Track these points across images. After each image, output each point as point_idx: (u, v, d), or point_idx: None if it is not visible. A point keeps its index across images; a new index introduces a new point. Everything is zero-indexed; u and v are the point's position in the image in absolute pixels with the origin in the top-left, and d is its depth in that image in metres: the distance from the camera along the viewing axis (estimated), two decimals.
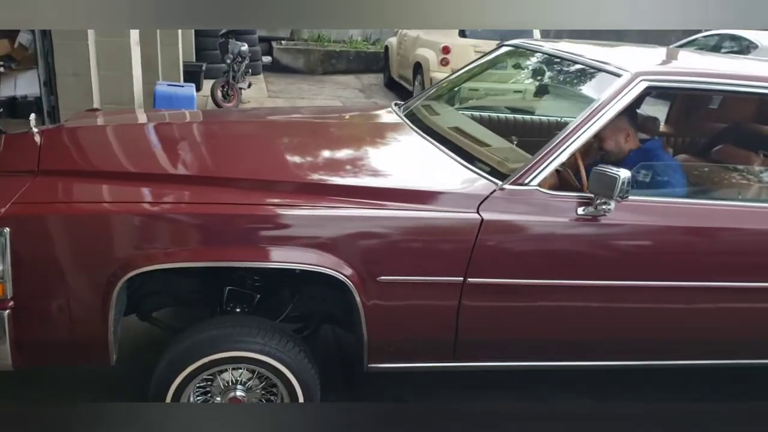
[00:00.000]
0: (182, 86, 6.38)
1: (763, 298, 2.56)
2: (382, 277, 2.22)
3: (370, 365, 2.37)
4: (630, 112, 2.80)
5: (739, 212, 2.55)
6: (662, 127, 3.60)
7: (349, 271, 2.17)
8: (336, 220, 2.19)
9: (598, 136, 3.11)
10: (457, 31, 8.89)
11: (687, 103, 3.75)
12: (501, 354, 2.52)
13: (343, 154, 2.81)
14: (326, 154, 2.80)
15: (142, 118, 3.56)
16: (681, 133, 3.70)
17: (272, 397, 2.29)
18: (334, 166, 2.65)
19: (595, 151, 3.11)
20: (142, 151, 2.71)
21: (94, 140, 2.80)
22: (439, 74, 8.36)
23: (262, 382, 2.27)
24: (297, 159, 2.72)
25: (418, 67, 9.40)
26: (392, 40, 11.13)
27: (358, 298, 2.19)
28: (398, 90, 10.53)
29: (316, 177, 2.46)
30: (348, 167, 2.64)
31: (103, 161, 2.56)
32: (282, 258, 2.15)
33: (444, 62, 8.80)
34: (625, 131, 2.86)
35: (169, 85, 6.29)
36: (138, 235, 2.12)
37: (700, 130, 3.67)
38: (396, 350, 2.38)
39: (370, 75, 12.32)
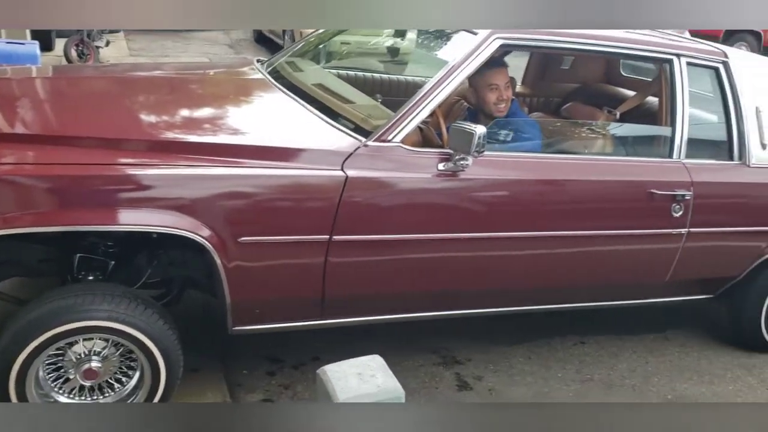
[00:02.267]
0: (23, 44, 5.77)
1: (607, 243, 2.76)
2: (244, 238, 2.17)
3: (234, 328, 2.33)
4: None
5: (585, 165, 2.71)
6: (519, 88, 3.75)
7: (207, 232, 2.10)
8: (193, 180, 2.11)
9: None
10: None
11: (541, 63, 3.92)
12: (369, 309, 2.56)
13: (202, 111, 2.69)
14: (185, 111, 2.67)
15: None
16: (536, 92, 3.87)
17: (132, 363, 2.20)
18: (193, 123, 2.53)
19: (463, 109, 3.19)
20: None
21: None
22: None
23: (118, 350, 2.16)
24: (153, 116, 2.58)
25: None
26: None
27: (218, 261, 2.13)
28: (269, 44, 10.29)
29: (172, 135, 2.33)
30: (207, 125, 2.53)
31: None
32: (134, 221, 2.04)
33: None
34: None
35: (8, 42, 5.67)
36: None
37: (553, 89, 3.86)
38: (261, 312, 2.35)
39: (239, 30, 11.89)
